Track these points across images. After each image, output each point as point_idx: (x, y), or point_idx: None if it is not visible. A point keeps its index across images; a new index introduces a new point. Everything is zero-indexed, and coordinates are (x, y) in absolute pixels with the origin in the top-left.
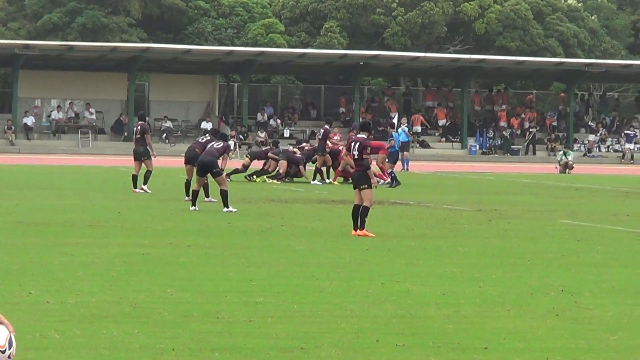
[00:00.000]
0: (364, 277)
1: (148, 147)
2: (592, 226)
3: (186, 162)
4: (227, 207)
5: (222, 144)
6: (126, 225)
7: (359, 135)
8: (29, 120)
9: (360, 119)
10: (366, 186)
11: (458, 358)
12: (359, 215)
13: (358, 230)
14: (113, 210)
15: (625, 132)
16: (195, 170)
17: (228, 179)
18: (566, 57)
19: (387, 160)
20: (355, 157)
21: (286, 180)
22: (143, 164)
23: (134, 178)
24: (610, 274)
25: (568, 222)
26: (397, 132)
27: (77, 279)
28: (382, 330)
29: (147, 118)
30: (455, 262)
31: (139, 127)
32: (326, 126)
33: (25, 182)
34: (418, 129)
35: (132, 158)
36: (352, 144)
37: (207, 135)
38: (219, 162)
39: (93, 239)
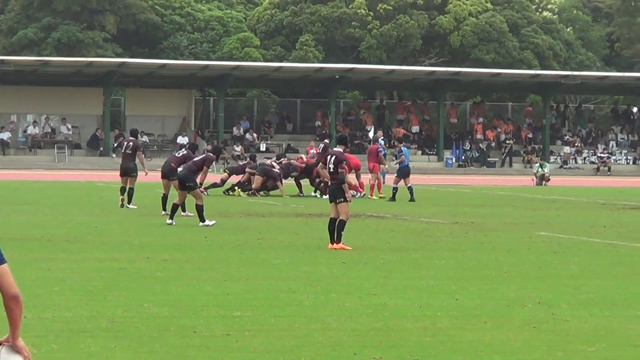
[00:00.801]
0: (341, 290)
1: (140, 163)
2: (568, 238)
3: (162, 177)
4: (203, 222)
5: (202, 156)
6: (103, 240)
7: (335, 149)
8: (5, 136)
9: (336, 133)
10: (342, 200)
11: None
12: (336, 228)
13: (335, 244)
14: (89, 225)
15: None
16: (173, 184)
17: (205, 193)
18: (542, 69)
19: (396, 175)
20: (331, 170)
21: (262, 194)
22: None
23: (123, 190)
24: (588, 286)
25: (545, 234)
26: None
27: (54, 294)
28: (359, 344)
29: (138, 135)
30: (432, 274)
31: (130, 144)
32: (326, 140)
33: (1, 198)
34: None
35: (109, 173)
36: (329, 157)
37: (184, 149)
38: (199, 175)
39: (70, 254)
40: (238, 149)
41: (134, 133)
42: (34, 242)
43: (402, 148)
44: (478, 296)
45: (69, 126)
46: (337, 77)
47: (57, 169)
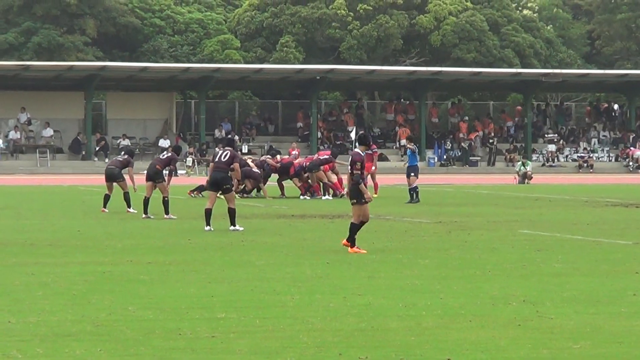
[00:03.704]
0: (326, 291)
1: (130, 181)
2: (552, 236)
3: (147, 179)
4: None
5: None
6: (86, 243)
7: (355, 150)
8: None
9: (357, 132)
10: (355, 201)
11: None
12: (350, 229)
13: (350, 249)
14: (72, 229)
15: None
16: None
17: (200, 195)
18: (522, 67)
19: (412, 174)
20: (350, 171)
21: (244, 196)
22: (117, 185)
23: (107, 198)
24: (571, 283)
25: (528, 232)
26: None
27: (38, 298)
28: (344, 344)
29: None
30: (416, 274)
31: (124, 158)
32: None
33: None
34: (404, 142)
35: (91, 177)
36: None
37: (168, 152)
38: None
39: (53, 258)
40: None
41: (129, 152)
42: (17, 246)
43: (408, 151)
44: (462, 295)
45: (51, 131)
46: (318, 78)
47: (39, 174)
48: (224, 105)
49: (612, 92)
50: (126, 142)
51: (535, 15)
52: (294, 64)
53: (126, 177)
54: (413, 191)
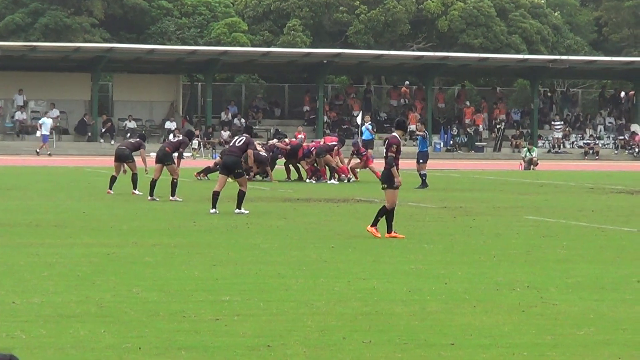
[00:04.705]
0: (330, 274)
1: (142, 162)
2: (557, 222)
3: (157, 161)
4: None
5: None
6: (91, 225)
7: (392, 134)
8: None
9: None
10: (385, 186)
11: (425, 354)
12: (380, 214)
13: (369, 227)
14: (78, 210)
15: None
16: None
17: (205, 178)
18: (530, 53)
19: (421, 161)
20: (384, 154)
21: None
22: (126, 166)
23: (113, 180)
24: (576, 270)
25: (533, 218)
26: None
27: (42, 279)
28: (348, 328)
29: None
30: (421, 259)
31: (136, 141)
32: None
33: None
34: (413, 127)
35: (96, 158)
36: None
37: (180, 135)
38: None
39: (58, 239)
40: (226, 134)
41: (142, 137)
42: (23, 227)
43: (418, 137)
44: (467, 280)
45: (57, 112)
46: (325, 62)
47: (45, 155)
48: (230, 88)
49: (618, 80)
50: (132, 123)
51: (542, 1)
52: (301, 47)
53: (137, 159)
54: (424, 176)
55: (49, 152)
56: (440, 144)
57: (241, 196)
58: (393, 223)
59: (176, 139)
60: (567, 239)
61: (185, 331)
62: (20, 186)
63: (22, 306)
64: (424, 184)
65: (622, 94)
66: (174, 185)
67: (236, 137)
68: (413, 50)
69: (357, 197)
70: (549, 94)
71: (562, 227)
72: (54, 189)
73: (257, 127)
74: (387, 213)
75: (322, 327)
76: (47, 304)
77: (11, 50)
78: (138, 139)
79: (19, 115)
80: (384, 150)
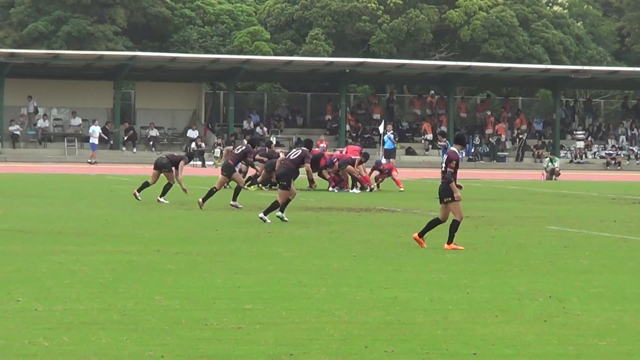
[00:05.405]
0: (352, 283)
1: (179, 174)
2: (579, 232)
3: (222, 172)
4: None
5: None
6: (113, 232)
7: (451, 148)
8: (15, 129)
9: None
10: (450, 199)
11: None
12: (449, 229)
13: (446, 245)
14: (100, 218)
15: None
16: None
17: (227, 186)
18: (552, 63)
19: None
20: (442, 169)
21: (272, 188)
22: (164, 175)
23: (145, 185)
24: (598, 280)
25: (555, 229)
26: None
27: (64, 286)
28: (370, 337)
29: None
30: (443, 268)
31: (179, 155)
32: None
33: (11, 190)
34: (429, 136)
35: (119, 166)
36: (445, 156)
37: (242, 145)
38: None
39: (80, 246)
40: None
41: (190, 155)
42: (45, 234)
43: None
44: (489, 290)
45: (79, 120)
46: (347, 71)
47: (67, 162)
48: (252, 97)
49: None
50: (154, 132)
51: (565, 11)
52: (323, 56)
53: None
54: None
55: (94, 160)
56: (462, 153)
57: (274, 205)
58: (455, 234)
59: (240, 151)
60: (589, 249)
61: (208, 339)
62: (42, 194)
63: (45, 313)
64: None
65: None
66: (237, 190)
67: (293, 150)
68: (435, 60)
69: (379, 206)
70: (571, 104)
71: (584, 237)
72: (76, 197)
73: (279, 135)
74: (456, 225)
75: (344, 336)
76: (70, 312)
77: (34, 58)
78: (182, 154)
79: (41, 123)
80: (442, 164)
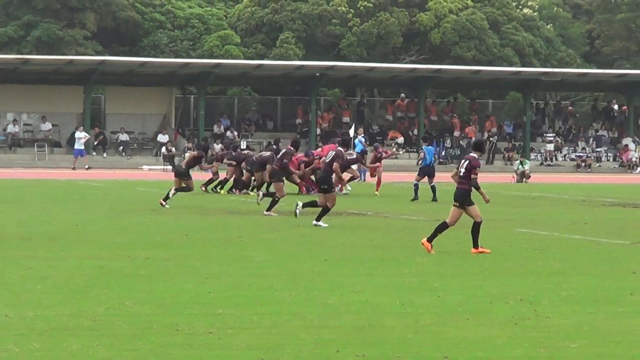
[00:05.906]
0: (324, 287)
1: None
2: (550, 235)
3: (270, 178)
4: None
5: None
6: (84, 238)
7: (471, 154)
8: None
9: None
10: (465, 205)
11: None
12: (472, 233)
13: (472, 249)
14: (71, 223)
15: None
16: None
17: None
18: (522, 66)
19: (417, 173)
20: (461, 174)
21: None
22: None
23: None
24: (569, 282)
25: (526, 231)
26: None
27: (35, 292)
28: (342, 341)
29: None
30: (414, 272)
31: (191, 157)
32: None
33: None
34: (401, 140)
35: (89, 171)
36: (462, 162)
37: (267, 151)
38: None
39: (51, 252)
40: (218, 147)
41: (205, 148)
42: (15, 240)
43: (423, 147)
44: (460, 293)
45: (49, 125)
46: (318, 74)
47: (37, 168)
48: (223, 101)
49: (611, 92)
50: (124, 136)
51: (535, 14)
52: (293, 60)
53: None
54: (416, 188)
55: (88, 166)
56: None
57: (324, 211)
58: (479, 237)
59: (281, 154)
60: (560, 251)
61: (179, 344)
62: (12, 199)
63: (15, 320)
64: (434, 196)
65: (615, 106)
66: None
67: (330, 152)
68: (406, 63)
69: (350, 210)
70: (542, 107)
71: (555, 239)
72: (46, 202)
73: (249, 139)
74: (477, 227)
75: (316, 340)
76: (40, 318)
77: (4, 63)
78: (196, 152)
79: (11, 128)
80: (462, 170)
